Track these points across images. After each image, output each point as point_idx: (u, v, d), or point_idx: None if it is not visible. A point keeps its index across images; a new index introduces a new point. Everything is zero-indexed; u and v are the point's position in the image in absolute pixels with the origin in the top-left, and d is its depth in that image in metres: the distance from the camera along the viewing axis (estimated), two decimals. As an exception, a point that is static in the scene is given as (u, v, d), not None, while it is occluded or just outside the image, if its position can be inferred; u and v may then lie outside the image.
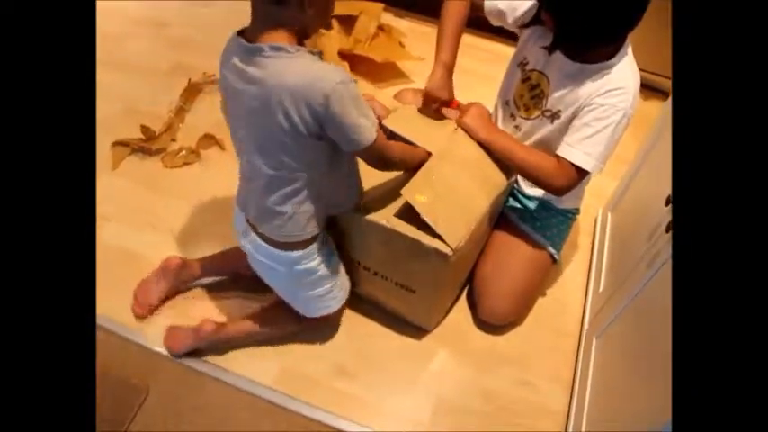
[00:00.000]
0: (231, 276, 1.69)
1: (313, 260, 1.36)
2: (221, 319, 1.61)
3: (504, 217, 1.68)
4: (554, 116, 1.46)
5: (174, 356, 1.55)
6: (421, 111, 1.51)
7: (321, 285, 1.43)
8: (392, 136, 1.39)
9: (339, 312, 1.56)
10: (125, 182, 1.97)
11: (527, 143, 1.52)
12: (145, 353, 1.57)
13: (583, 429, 1.40)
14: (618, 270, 1.56)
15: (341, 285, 1.49)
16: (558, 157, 1.39)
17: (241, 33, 1.14)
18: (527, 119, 1.52)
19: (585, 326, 1.67)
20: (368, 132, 1.13)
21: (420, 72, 2.35)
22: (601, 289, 1.67)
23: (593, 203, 1.98)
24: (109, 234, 1.82)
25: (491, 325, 1.67)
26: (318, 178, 1.23)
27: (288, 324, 1.55)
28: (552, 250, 1.67)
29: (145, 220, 1.86)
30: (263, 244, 1.33)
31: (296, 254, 1.33)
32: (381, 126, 1.18)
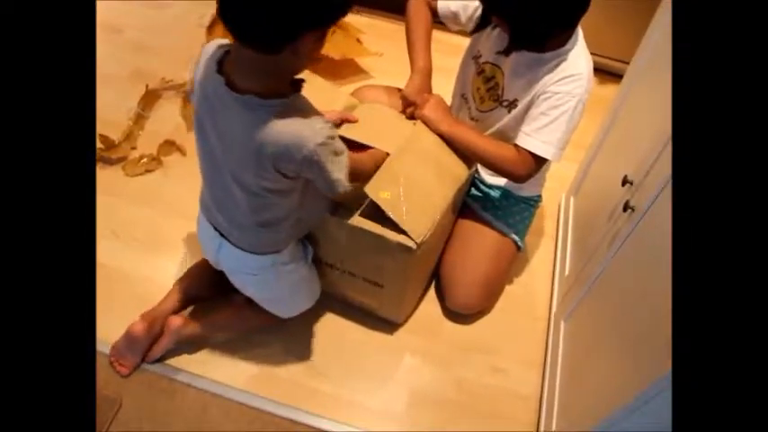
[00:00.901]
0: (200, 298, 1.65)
1: (295, 258, 1.37)
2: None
3: (467, 206, 1.70)
4: (511, 105, 1.47)
5: (150, 362, 1.53)
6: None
7: (302, 283, 1.44)
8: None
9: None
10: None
11: (486, 134, 1.54)
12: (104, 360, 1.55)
13: (555, 412, 1.42)
14: (581, 253, 1.59)
15: (316, 280, 1.50)
16: (516, 146, 1.41)
17: (221, 66, 1.09)
18: (484, 111, 1.54)
19: (554, 310, 1.70)
20: (341, 187, 1.15)
21: (379, 68, 2.36)
22: (566, 272, 1.70)
23: (556, 189, 2.01)
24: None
25: (460, 314, 1.69)
26: (297, 201, 1.23)
27: (260, 315, 1.54)
28: (516, 237, 1.69)
29: (108, 229, 1.84)
30: (242, 253, 1.31)
31: (279, 256, 1.33)
32: (341, 137, 1.19)
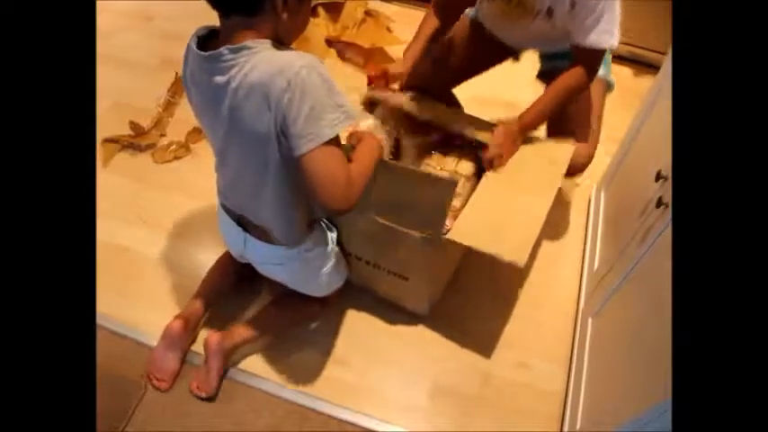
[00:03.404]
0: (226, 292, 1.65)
1: (318, 242, 1.36)
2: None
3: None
4: (549, 12, 1.44)
5: (210, 399, 1.49)
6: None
7: (330, 260, 1.43)
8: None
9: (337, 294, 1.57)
10: (116, 178, 1.97)
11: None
12: (141, 349, 1.57)
13: (579, 410, 1.40)
14: (612, 248, 1.55)
15: (342, 260, 1.49)
16: (577, 47, 1.41)
17: (202, 42, 1.09)
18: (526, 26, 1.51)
19: (581, 306, 1.67)
20: (325, 132, 1.02)
21: (408, 56, 2.33)
22: (596, 268, 1.66)
23: (586, 182, 1.97)
24: (102, 231, 1.80)
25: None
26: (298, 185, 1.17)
27: (298, 311, 1.55)
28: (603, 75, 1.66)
29: (137, 216, 1.86)
30: (267, 245, 1.31)
31: (303, 244, 1.32)
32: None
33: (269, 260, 1.37)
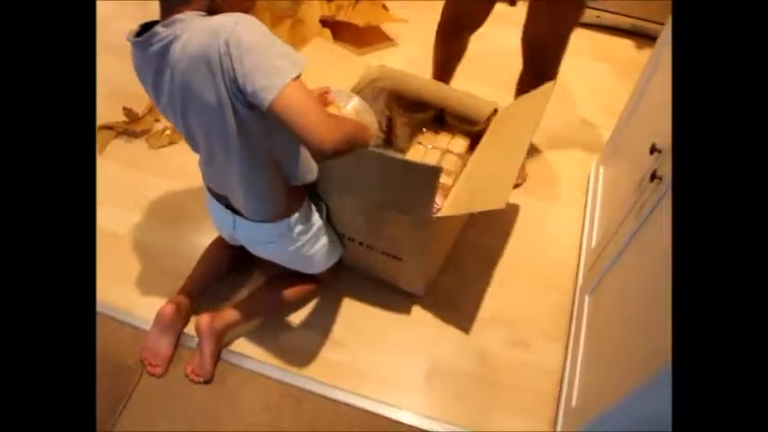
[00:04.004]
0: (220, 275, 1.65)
1: (306, 218, 1.34)
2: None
3: None
4: None
5: (207, 382, 1.49)
6: None
7: (321, 235, 1.42)
8: None
9: (331, 273, 1.56)
10: (112, 165, 1.97)
11: None
12: (138, 334, 1.57)
13: (575, 387, 1.38)
14: (609, 224, 1.52)
15: (334, 235, 1.48)
16: None
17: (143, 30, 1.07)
18: None
19: (580, 282, 1.64)
20: (286, 73, 0.96)
21: (404, 35, 2.30)
22: (594, 244, 1.64)
23: (586, 157, 1.94)
24: (99, 217, 1.82)
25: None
26: (273, 152, 1.15)
27: (291, 291, 1.53)
28: None
29: (134, 201, 1.86)
30: (256, 224, 1.30)
31: (292, 218, 1.31)
32: None
33: (259, 240, 1.36)
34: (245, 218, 1.30)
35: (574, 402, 1.36)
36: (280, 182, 1.24)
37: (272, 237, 1.34)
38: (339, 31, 2.22)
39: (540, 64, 1.58)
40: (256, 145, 1.11)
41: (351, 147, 1.05)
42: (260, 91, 0.96)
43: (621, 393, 1.03)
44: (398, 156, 1.26)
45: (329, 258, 1.49)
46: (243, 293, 1.61)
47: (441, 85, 1.62)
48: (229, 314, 1.48)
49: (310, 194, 1.37)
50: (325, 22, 2.20)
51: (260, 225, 1.30)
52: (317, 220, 1.38)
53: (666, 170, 1.12)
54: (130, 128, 2.01)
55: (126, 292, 1.66)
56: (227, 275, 1.63)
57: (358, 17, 2.20)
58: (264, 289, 1.55)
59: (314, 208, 1.38)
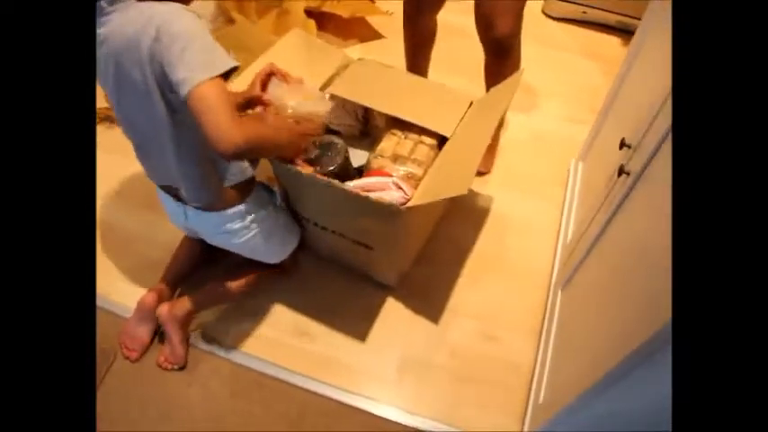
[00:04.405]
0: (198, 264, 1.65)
1: (259, 204, 1.34)
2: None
3: None
4: None
5: (181, 368, 1.50)
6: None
7: (277, 222, 1.42)
8: None
9: (295, 261, 1.56)
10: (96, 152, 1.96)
11: None
12: (114, 320, 1.57)
13: (544, 382, 1.39)
14: (581, 219, 1.53)
15: (292, 221, 1.48)
16: None
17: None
18: None
19: (554, 278, 1.65)
20: (207, 69, 0.98)
21: (390, 27, 2.29)
22: (569, 239, 1.64)
23: (566, 154, 1.94)
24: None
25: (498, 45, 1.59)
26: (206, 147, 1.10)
27: (252, 277, 1.53)
28: None
29: (114, 188, 1.86)
30: (205, 213, 1.30)
31: (242, 207, 1.31)
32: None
33: (214, 229, 1.36)
34: (193, 206, 1.30)
35: (541, 398, 1.36)
36: (217, 169, 1.24)
37: (223, 226, 1.33)
38: (325, 22, 2.21)
39: (496, 45, 1.58)
40: (188, 137, 1.12)
41: (255, 150, 1.12)
42: (180, 83, 0.98)
43: (581, 389, 1.03)
44: (359, 192, 1.25)
45: (287, 245, 1.49)
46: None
47: (415, 80, 1.62)
48: (189, 301, 1.48)
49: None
50: (310, 13, 2.20)
51: (208, 214, 1.30)
52: (270, 208, 1.38)
53: (635, 165, 1.12)
54: (111, 114, 2.00)
55: (103, 278, 1.66)
56: (206, 262, 1.63)
57: (343, 9, 2.20)
58: (225, 276, 1.53)
59: (267, 195, 1.38)
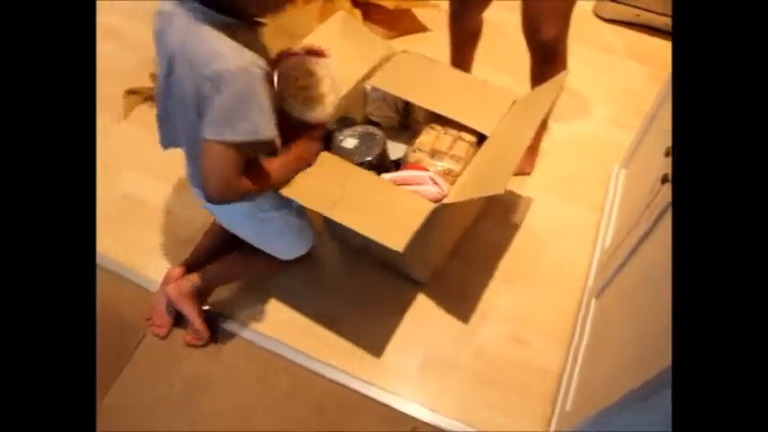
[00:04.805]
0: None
1: (276, 205, 1.33)
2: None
3: None
4: None
5: (206, 344, 1.53)
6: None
7: (290, 225, 1.41)
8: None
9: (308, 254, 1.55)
10: (136, 130, 2.00)
11: None
12: (144, 294, 1.60)
13: (572, 391, 1.36)
14: (622, 227, 1.49)
15: (307, 227, 1.47)
16: None
17: None
18: None
19: (589, 284, 1.61)
20: (234, 133, 1.03)
21: (436, 20, 2.26)
22: (606, 247, 1.60)
23: (608, 158, 1.89)
24: (121, 180, 1.86)
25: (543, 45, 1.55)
26: None
27: (258, 263, 1.52)
28: None
29: (154, 167, 1.89)
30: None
31: (258, 204, 1.30)
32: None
33: (231, 216, 1.36)
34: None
35: (569, 406, 1.33)
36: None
37: (240, 215, 1.34)
38: (370, 12, 2.20)
39: (541, 48, 1.54)
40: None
41: (243, 198, 1.18)
42: (205, 123, 1.04)
43: (610, 401, 1.01)
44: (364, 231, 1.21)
45: (295, 249, 1.47)
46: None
47: (458, 75, 1.59)
48: (195, 276, 1.50)
49: None
50: (356, 3, 2.19)
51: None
52: (284, 211, 1.36)
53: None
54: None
55: (140, 256, 1.70)
56: (232, 244, 1.64)
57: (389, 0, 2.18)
58: (233, 255, 1.53)
59: (282, 198, 1.37)
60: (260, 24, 1.11)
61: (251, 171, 1.13)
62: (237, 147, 1.06)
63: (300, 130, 1.28)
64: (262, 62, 1.04)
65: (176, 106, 1.15)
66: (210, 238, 1.60)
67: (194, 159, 1.22)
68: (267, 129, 1.07)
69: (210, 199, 1.12)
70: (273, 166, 1.19)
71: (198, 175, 1.21)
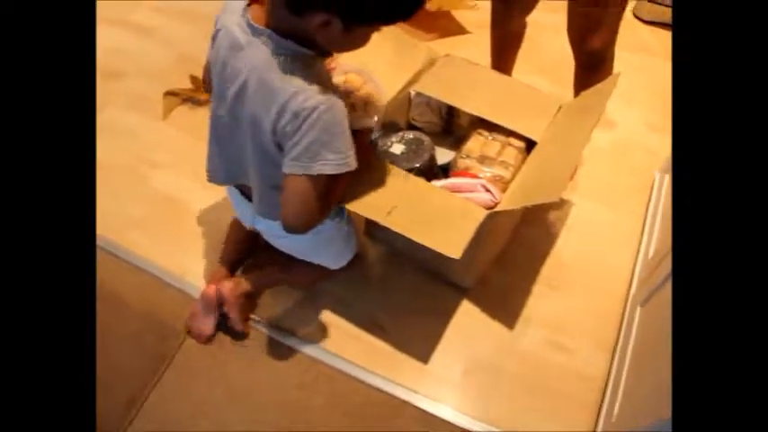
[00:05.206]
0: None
1: (329, 219, 1.32)
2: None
3: None
4: None
5: (205, 341, 1.54)
6: None
7: (334, 240, 1.42)
8: None
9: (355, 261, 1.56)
10: (174, 131, 2.01)
11: None
12: (186, 299, 1.61)
13: (618, 399, 1.34)
14: (667, 237, 1.46)
15: (352, 234, 1.48)
16: None
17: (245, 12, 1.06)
18: None
19: (632, 292, 1.59)
20: (322, 167, 1.03)
21: (475, 22, 2.25)
22: (650, 255, 1.58)
23: (650, 163, 1.87)
24: (157, 181, 1.87)
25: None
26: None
27: (305, 269, 1.53)
28: None
29: (192, 169, 1.89)
30: (272, 222, 1.28)
31: None
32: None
33: (274, 232, 1.34)
34: (260, 214, 1.30)
35: (614, 416, 1.32)
36: None
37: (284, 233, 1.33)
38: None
39: (587, 58, 1.52)
40: (273, 172, 1.13)
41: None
42: (288, 157, 1.04)
43: (659, 416, 0.99)
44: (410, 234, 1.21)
45: (343, 257, 1.49)
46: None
47: (501, 79, 1.58)
48: (247, 282, 1.52)
49: None
50: (394, 5, 2.18)
51: (274, 222, 1.28)
52: (337, 219, 1.36)
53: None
54: (195, 96, 2.05)
55: (178, 258, 1.70)
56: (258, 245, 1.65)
57: (430, 1, 2.16)
58: (283, 263, 1.53)
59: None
60: (330, 55, 1.11)
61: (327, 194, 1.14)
62: (324, 178, 1.06)
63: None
64: (339, 91, 1.04)
65: (244, 139, 1.14)
66: (235, 240, 1.62)
67: (266, 192, 1.22)
68: (353, 159, 1.07)
69: (293, 230, 1.12)
70: (339, 184, 1.19)
71: (267, 206, 1.23)
